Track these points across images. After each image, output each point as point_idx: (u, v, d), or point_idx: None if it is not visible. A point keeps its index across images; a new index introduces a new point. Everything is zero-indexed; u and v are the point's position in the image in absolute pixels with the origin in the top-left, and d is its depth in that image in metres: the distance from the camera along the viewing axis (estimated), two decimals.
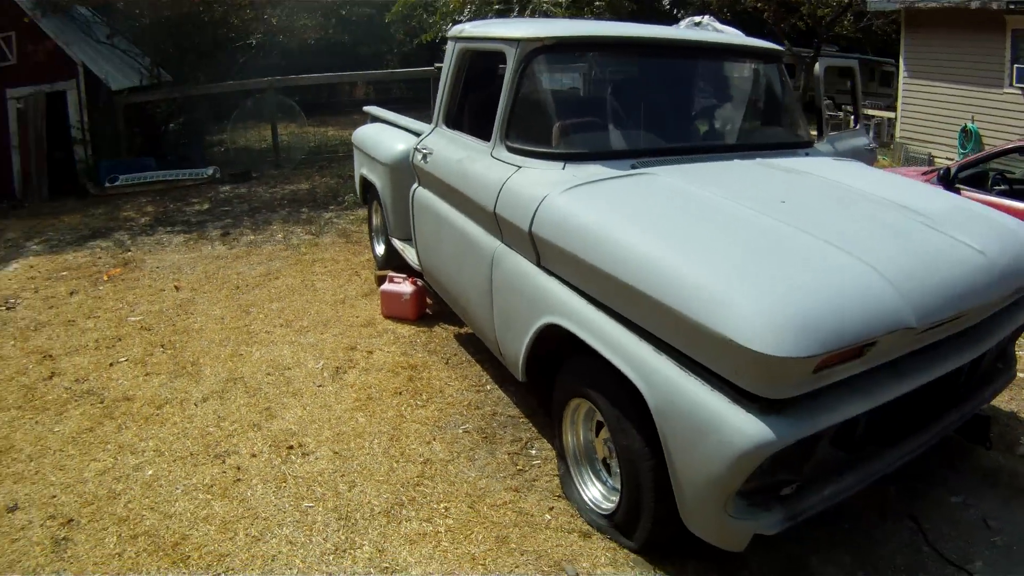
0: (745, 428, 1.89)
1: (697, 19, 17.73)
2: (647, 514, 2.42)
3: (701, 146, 3.34)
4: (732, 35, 5.67)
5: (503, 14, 9.26)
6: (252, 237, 7.63)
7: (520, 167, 3.05)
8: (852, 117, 5.37)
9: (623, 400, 2.37)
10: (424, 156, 3.98)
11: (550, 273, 2.75)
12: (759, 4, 12.92)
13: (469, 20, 9.12)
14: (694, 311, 1.97)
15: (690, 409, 2.04)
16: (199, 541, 2.71)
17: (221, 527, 2.79)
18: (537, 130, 3.12)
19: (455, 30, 3.86)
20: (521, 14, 8.96)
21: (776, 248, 2.22)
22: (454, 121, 3.90)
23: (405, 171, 4.49)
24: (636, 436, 2.33)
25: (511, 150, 3.17)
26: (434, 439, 3.37)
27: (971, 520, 2.83)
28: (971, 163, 5.71)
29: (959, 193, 5.24)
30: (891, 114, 13.71)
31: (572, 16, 8.84)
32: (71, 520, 2.88)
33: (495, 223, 3.11)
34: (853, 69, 5.06)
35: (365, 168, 5.57)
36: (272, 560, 2.59)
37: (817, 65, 4.88)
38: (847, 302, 1.98)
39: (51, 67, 9.81)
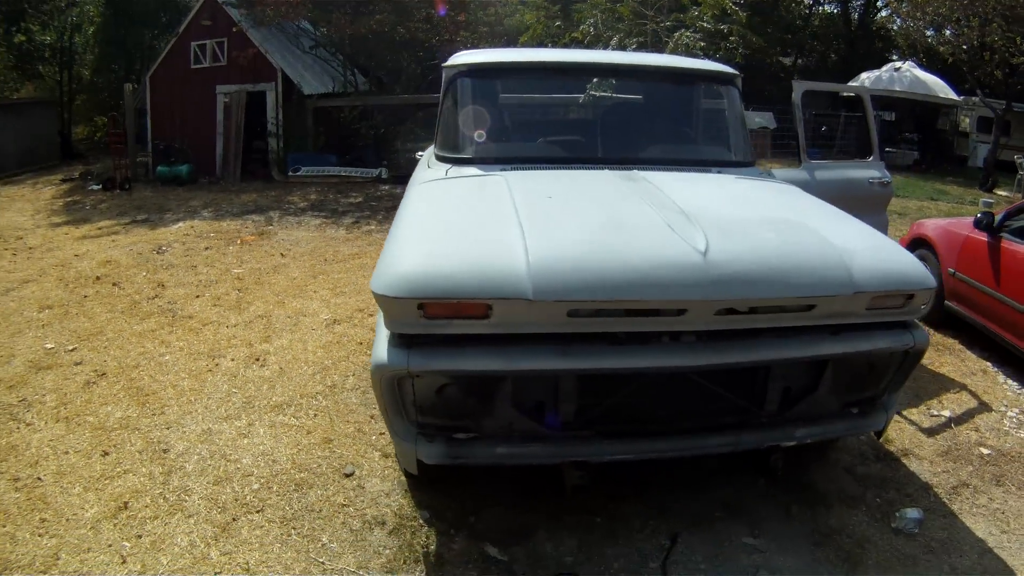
0: (378, 351, 2.55)
1: (898, 64, 17.27)
2: None
3: (585, 157, 3.96)
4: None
5: (643, 47, 10.16)
6: (372, 227, 9.41)
7: (429, 167, 4.14)
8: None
9: None
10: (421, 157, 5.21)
11: None
12: (942, 49, 12.37)
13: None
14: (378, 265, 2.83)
15: (377, 336, 2.81)
16: (160, 395, 4.23)
17: (176, 392, 4.28)
18: (445, 139, 4.17)
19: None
20: (660, 49, 9.78)
21: (474, 227, 2.84)
22: None
23: None
24: None
25: (436, 156, 4.22)
26: (352, 375, 4.58)
27: (741, 566, 2.85)
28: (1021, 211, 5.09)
29: (999, 242, 4.85)
30: None
31: (707, 53, 9.49)
32: (104, 374, 4.57)
33: None
34: (862, 98, 5.10)
35: None
36: (188, 414, 4.01)
37: (794, 93, 4.62)
38: (469, 266, 2.45)
39: (254, 70, 12.79)
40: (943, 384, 4.67)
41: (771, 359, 2.68)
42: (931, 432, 4.01)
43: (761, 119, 14.49)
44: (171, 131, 13.20)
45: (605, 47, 10.39)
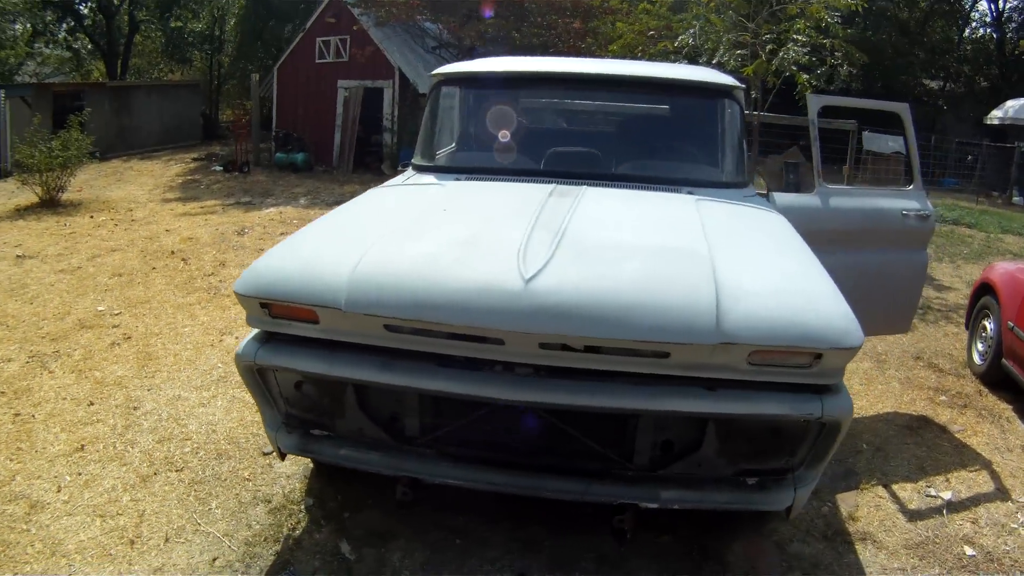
0: (240, 343, 2.84)
1: None
2: None
3: (543, 171, 3.93)
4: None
5: (743, 60, 10.06)
6: None
7: (402, 172, 4.47)
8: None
9: None
10: None
11: None
12: None
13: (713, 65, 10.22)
14: None
15: None
16: (160, 361, 5.04)
17: (175, 360, 5.07)
18: (420, 147, 4.43)
19: None
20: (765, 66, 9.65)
21: (348, 235, 3.01)
22: None
23: None
24: None
25: (412, 164, 4.41)
26: None
27: None
28: None
29: None
30: None
31: (810, 69, 9.26)
32: (130, 337, 5.47)
33: None
34: (901, 115, 4.39)
35: None
36: (170, 380, 4.75)
37: (810, 109, 4.16)
38: (303, 273, 2.66)
39: (373, 67, 13.92)
40: (963, 458, 4.18)
41: (611, 407, 2.50)
42: (914, 516, 3.53)
43: (895, 143, 13.80)
44: (293, 120, 14.68)
45: (708, 61, 10.39)
